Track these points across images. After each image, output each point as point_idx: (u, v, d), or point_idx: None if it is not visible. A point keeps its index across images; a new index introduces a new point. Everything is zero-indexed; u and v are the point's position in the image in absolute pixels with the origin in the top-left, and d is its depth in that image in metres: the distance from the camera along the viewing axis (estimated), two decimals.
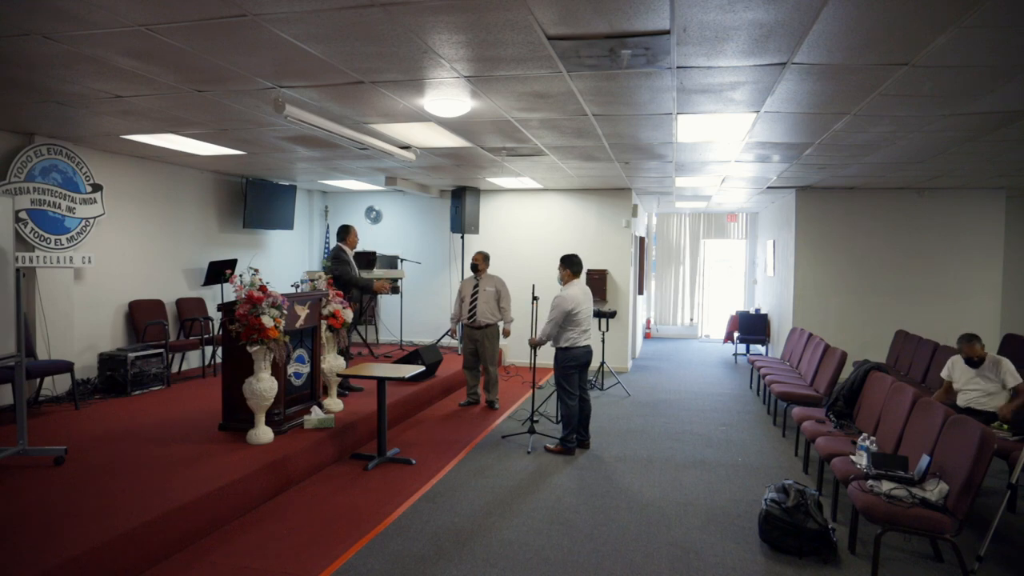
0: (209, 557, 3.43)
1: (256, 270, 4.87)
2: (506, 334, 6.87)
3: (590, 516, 4.09)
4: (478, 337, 6.71)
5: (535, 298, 6.17)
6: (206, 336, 7.39)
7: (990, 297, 8.53)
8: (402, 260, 9.61)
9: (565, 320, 5.32)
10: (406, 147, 6.14)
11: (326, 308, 5.56)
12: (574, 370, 5.41)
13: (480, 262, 6.78)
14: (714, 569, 3.42)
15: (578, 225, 9.56)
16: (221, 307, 4.89)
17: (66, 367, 5.77)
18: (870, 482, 3.43)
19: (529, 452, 5.40)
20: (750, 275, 13.32)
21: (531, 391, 7.87)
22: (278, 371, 4.81)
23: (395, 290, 9.06)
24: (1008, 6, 2.72)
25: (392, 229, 10.45)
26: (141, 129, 5.48)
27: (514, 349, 9.73)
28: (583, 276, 5.64)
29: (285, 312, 4.72)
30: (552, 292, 9.25)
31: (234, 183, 8.53)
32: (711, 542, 3.75)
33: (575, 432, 5.43)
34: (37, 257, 5.87)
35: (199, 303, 7.81)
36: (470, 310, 6.69)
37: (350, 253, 6.59)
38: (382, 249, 9.80)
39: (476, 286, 6.72)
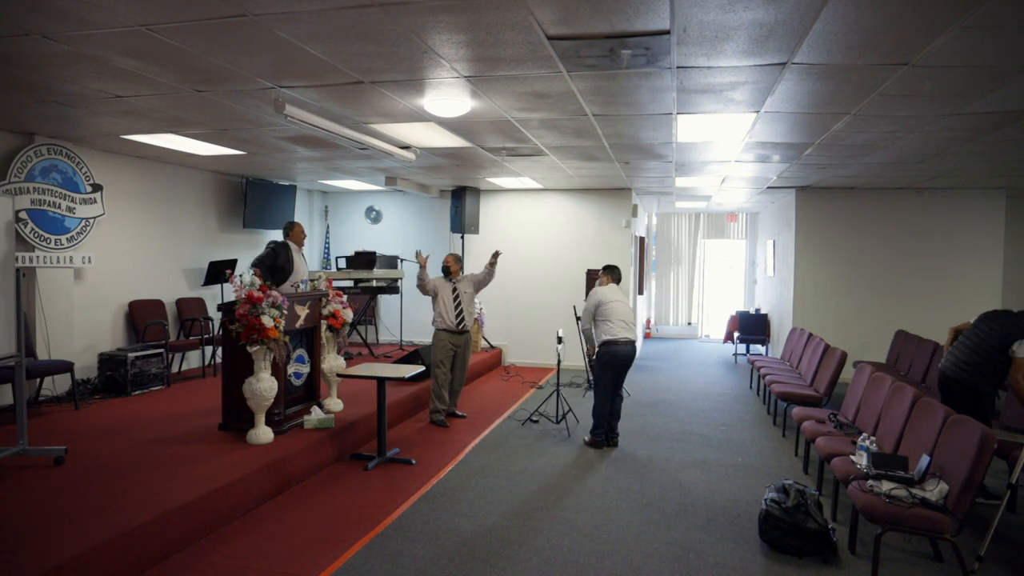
0: (209, 557, 3.43)
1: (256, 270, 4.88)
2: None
3: (590, 516, 4.09)
4: (461, 343, 6.22)
5: (579, 318, 6.35)
6: (206, 336, 7.39)
7: (990, 297, 8.51)
8: (402, 260, 9.60)
9: (596, 312, 5.54)
10: (406, 147, 6.14)
11: (326, 308, 5.56)
12: (611, 367, 5.50)
13: (452, 263, 6.28)
14: (714, 569, 3.42)
15: (578, 225, 9.56)
16: (221, 307, 4.89)
17: (66, 367, 5.77)
18: (870, 482, 3.43)
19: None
20: (750, 275, 13.32)
21: (531, 390, 7.89)
22: (278, 371, 4.81)
23: (394, 290, 9.06)
24: (1008, 6, 2.72)
25: (392, 229, 10.45)
26: (141, 129, 5.48)
27: (514, 349, 9.74)
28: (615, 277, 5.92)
29: (285, 312, 4.71)
30: (555, 291, 9.34)
31: (234, 183, 8.53)
32: (711, 542, 3.74)
33: (604, 427, 5.57)
34: (37, 257, 5.86)
35: (199, 303, 7.81)
36: (457, 316, 6.13)
37: (293, 249, 6.28)
38: (382, 249, 9.80)
39: (455, 289, 6.17)
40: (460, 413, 6.54)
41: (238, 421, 4.89)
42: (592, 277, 9.37)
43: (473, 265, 9.81)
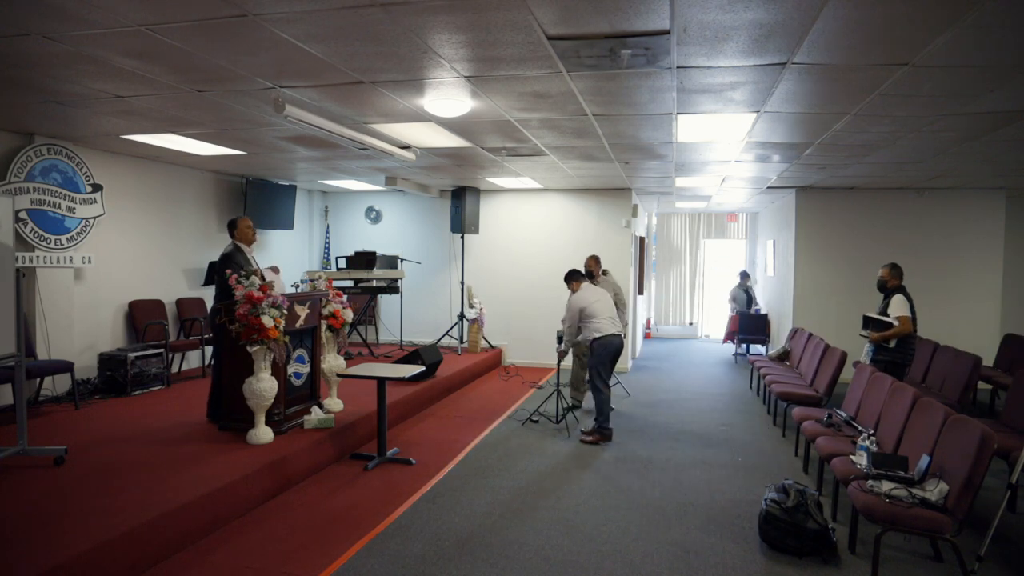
0: (209, 557, 3.43)
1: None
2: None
3: (590, 516, 4.09)
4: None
5: (560, 338, 6.20)
6: (206, 336, 7.39)
7: (990, 297, 8.53)
8: (402, 260, 9.61)
9: (580, 317, 5.81)
10: (406, 147, 6.14)
11: (326, 308, 5.56)
12: (606, 359, 5.78)
13: (595, 266, 6.81)
14: (714, 569, 3.42)
15: (578, 225, 9.56)
16: (221, 307, 4.88)
17: (66, 367, 5.77)
18: (870, 482, 3.43)
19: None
20: (750, 275, 13.31)
21: (531, 390, 7.89)
22: (278, 371, 4.81)
23: (394, 290, 9.06)
24: (1008, 6, 2.72)
25: (392, 229, 10.45)
26: (141, 129, 5.48)
27: (514, 349, 9.74)
28: (585, 279, 6.20)
29: (285, 312, 4.71)
30: (555, 291, 9.31)
31: (234, 183, 8.53)
32: (711, 542, 3.75)
33: (607, 419, 5.80)
34: (37, 257, 5.86)
35: (199, 303, 7.80)
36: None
37: (246, 250, 5.24)
38: (382, 249, 9.80)
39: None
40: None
41: (238, 421, 4.87)
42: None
43: (473, 265, 9.83)
